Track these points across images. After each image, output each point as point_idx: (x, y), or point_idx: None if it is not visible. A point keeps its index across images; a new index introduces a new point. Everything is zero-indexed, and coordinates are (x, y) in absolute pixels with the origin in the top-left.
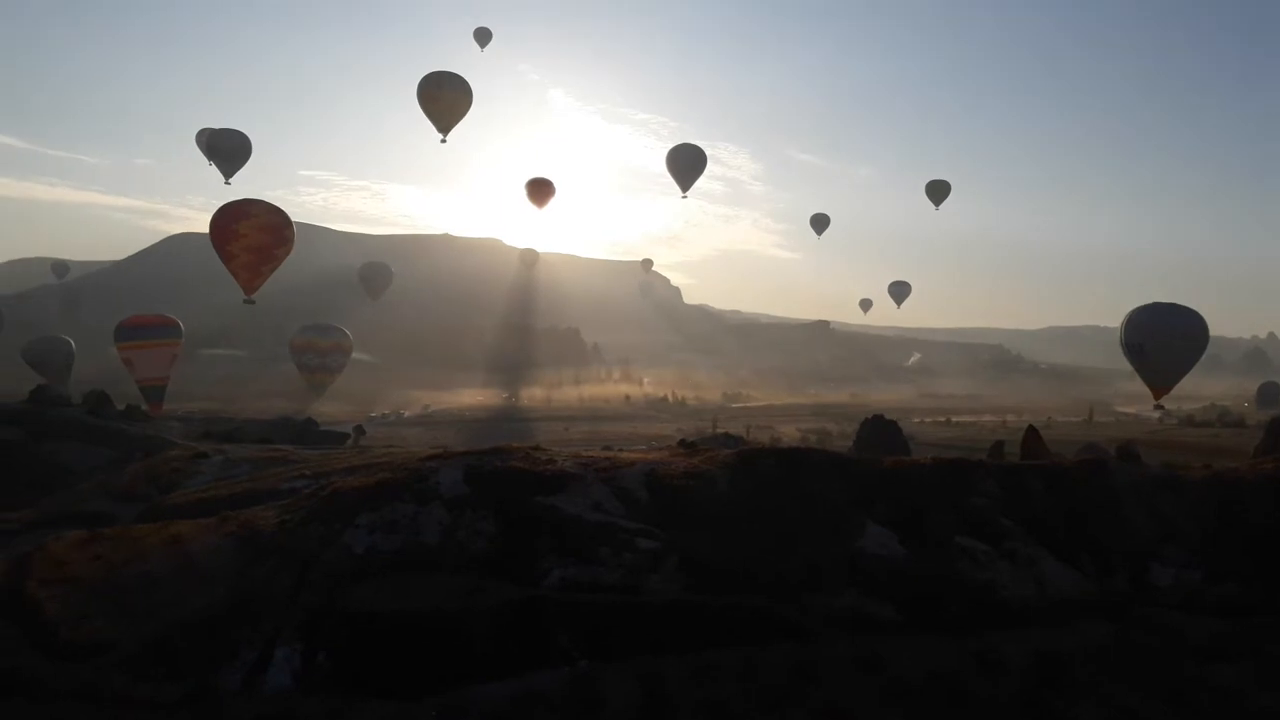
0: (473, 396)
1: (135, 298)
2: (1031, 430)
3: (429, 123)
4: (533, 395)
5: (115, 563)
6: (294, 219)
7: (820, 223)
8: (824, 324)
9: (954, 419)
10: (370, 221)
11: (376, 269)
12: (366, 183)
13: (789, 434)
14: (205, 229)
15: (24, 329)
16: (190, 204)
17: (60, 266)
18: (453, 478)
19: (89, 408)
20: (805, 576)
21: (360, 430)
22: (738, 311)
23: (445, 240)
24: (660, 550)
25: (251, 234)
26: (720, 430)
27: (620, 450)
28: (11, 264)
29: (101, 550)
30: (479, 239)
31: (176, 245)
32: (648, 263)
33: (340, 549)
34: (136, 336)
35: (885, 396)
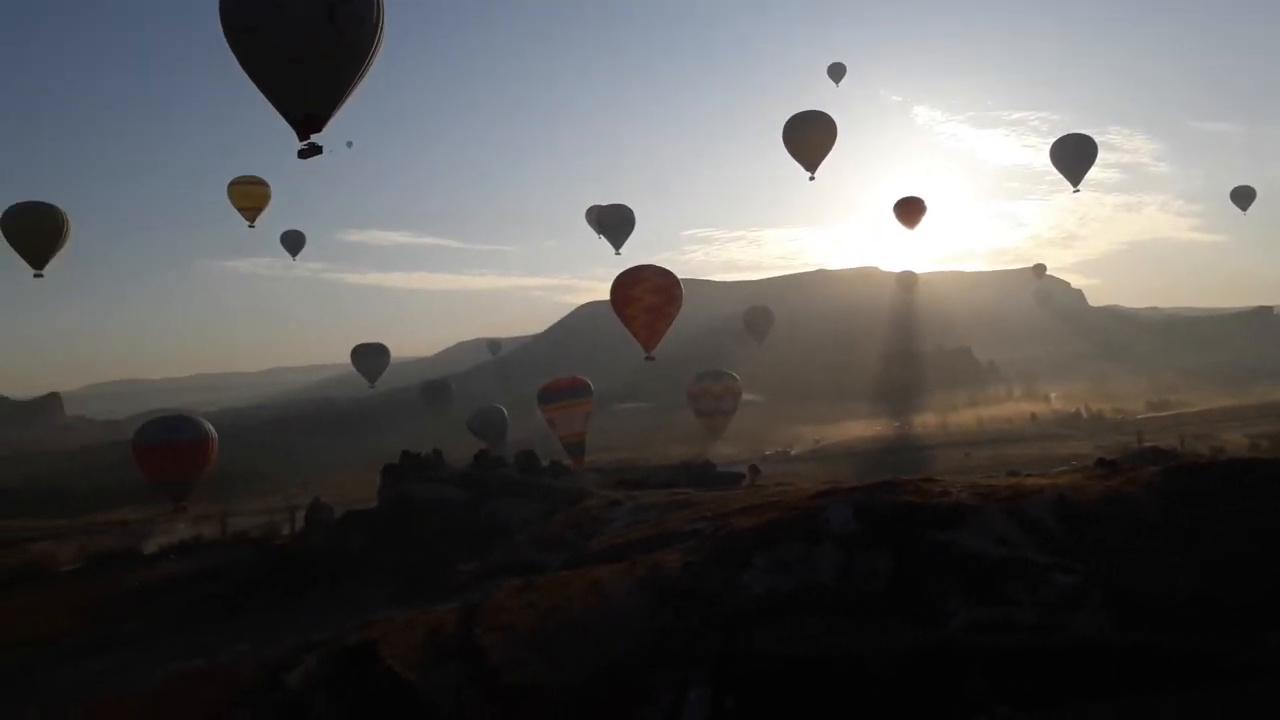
0: (862, 427)
1: (556, 364)
2: None
3: (796, 164)
4: (925, 422)
5: (545, 609)
6: (680, 276)
7: (1244, 196)
8: (1265, 310)
9: None
10: (748, 268)
11: (759, 313)
12: (742, 231)
13: (1235, 442)
14: (607, 297)
15: (469, 402)
16: (593, 275)
17: (494, 344)
18: (842, 515)
19: (520, 467)
20: (1257, 612)
21: (755, 469)
22: (1155, 308)
23: (821, 275)
24: (1080, 586)
25: (645, 296)
26: (1147, 444)
27: (1027, 475)
28: (458, 346)
29: (533, 598)
30: (854, 269)
31: (585, 314)
32: (1040, 268)
33: (740, 590)
34: (556, 399)
35: None
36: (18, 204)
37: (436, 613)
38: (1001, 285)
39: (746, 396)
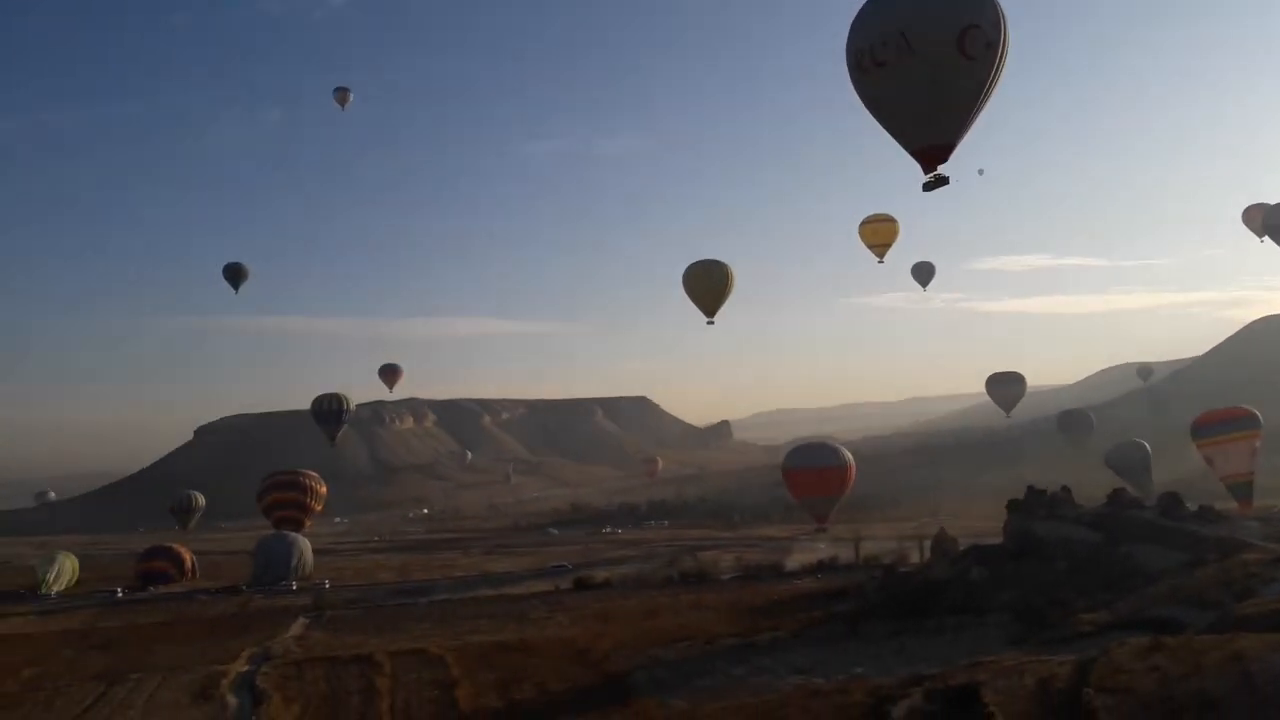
0: None
1: (1222, 391)
2: None
3: None
4: None
5: (1173, 677)
6: None
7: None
8: None
9: None
10: None
11: None
12: None
13: None
14: None
15: (1112, 434)
16: (1269, 285)
17: (1144, 370)
18: None
19: (1161, 509)
20: None
21: None
22: None
23: None
24: None
25: None
26: None
27: None
28: (1102, 373)
29: (1160, 661)
30: None
31: (1260, 331)
32: None
33: None
34: (1213, 432)
35: None
36: (696, 261)
37: (1050, 662)
38: None
39: None
